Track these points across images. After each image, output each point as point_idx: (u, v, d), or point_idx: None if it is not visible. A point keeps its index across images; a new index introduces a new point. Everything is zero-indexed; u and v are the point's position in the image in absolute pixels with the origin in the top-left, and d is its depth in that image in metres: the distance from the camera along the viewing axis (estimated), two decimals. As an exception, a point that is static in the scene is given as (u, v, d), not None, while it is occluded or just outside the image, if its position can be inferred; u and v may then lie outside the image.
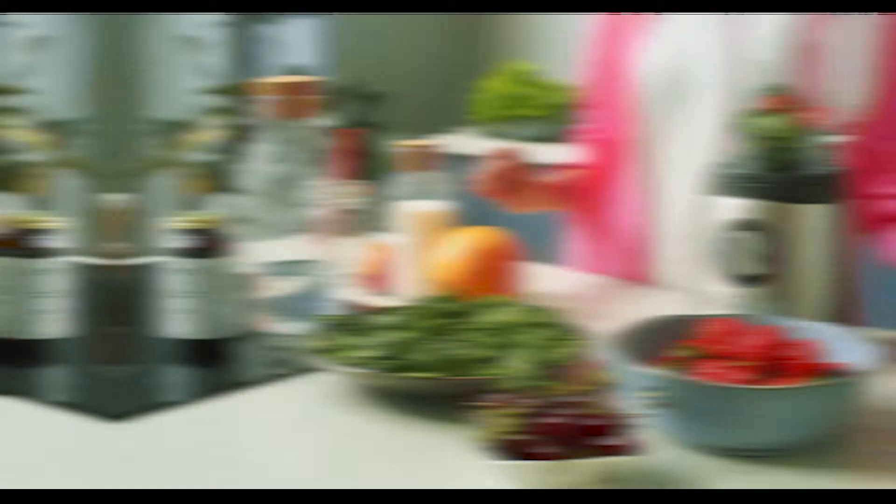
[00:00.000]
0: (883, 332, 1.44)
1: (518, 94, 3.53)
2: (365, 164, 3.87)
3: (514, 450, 0.90)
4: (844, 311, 1.30)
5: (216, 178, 3.69)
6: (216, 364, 1.31)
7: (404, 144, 1.56)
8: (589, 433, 0.91)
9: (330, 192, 1.41)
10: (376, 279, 1.63)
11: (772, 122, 1.27)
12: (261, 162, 1.37)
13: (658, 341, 1.18)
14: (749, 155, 1.30)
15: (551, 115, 3.49)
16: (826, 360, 1.05)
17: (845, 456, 1.01)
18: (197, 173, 3.60)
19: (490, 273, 1.47)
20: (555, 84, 3.54)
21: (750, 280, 1.29)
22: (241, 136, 3.85)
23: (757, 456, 1.00)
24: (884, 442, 1.05)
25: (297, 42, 4.07)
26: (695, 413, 0.99)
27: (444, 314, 1.29)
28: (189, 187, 3.58)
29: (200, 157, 4.03)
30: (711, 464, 0.99)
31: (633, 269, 1.69)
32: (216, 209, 1.42)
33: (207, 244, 1.33)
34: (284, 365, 1.32)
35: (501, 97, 3.53)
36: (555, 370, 1.12)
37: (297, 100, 1.35)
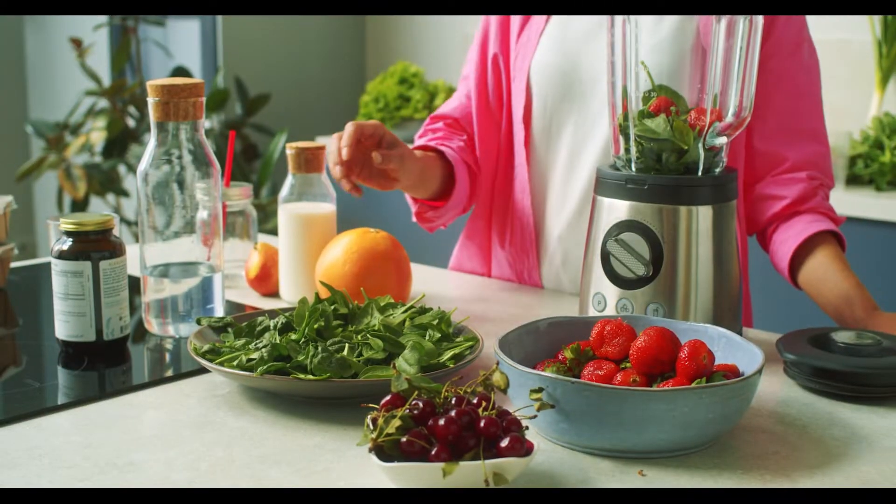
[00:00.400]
0: (764, 333, 1.47)
1: (403, 95, 3.52)
2: (249, 165, 3.82)
3: (403, 451, 0.89)
4: (728, 313, 1.32)
5: (100, 179, 3.61)
6: (103, 366, 1.27)
7: (290, 146, 1.54)
8: (478, 435, 0.90)
9: (216, 194, 1.38)
10: (261, 280, 1.60)
11: (658, 125, 1.29)
12: (146, 164, 1.33)
13: (545, 343, 1.18)
14: (636, 157, 1.32)
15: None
16: (712, 362, 1.06)
17: (733, 457, 1.03)
18: (81, 175, 3.51)
19: (376, 274, 1.46)
20: (439, 86, 3.54)
21: (636, 281, 1.30)
22: (124, 137, 3.77)
23: (645, 457, 1.01)
24: (770, 442, 1.06)
25: (182, 44, 4.00)
26: (582, 415, 0.99)
27: (331, 316, 1.28)
28: (73, 188, 3.49)
29: (84, 158, 3.93)
30: (600, 465, 1.00)
31: (520, 271, 1.69)
32: (101, 210, 1.38)
33: (93, 246, 1.29)
34: (172, 367, 1.29)
35: (386, 99, 3.52)
36: (443, 372, 1.12)
37: (183, 102, 1.32)
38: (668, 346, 1.08)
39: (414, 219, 1.69)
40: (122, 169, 3.88)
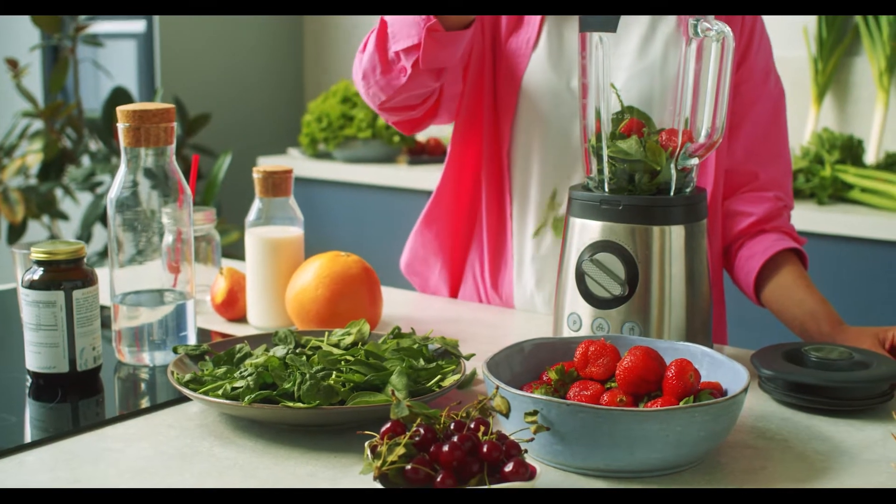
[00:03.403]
0: (732, 349, 1.50)
1: (346, 114, 3.52)
2: (199, 188, 3.79)
3: (408, 479, 0.89)
4: (701, 330, 1.34)
5: (37, 202, 3.55)
6: (77, 398, 1.25)
7: (257, 170, 1.53)
8: (481, 460, 0.90)
9: (187, 220, 1.37)
10: (228, 306, 1.59)
11: (630, 146, 1.31)
12: (117, 190, 1.32)
13: (530, 364, 1.19)
14: (608, 177, 1.33)
15: (379, 136, 3.49)
16: (698, 380, 1.08)
17: (723, 473, 1.05)
18: (19, 198, 3.44)
19: (348, 298, 1.46)
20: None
21: (611, 301, 1.31)
22: (61, 159, 3.71)
23: (637, 477, 1.02)
24: (756, 458, 1.08)
25: (119, 64, 3.96)
26: (577, 436, 1.00)
27: (307, 343, 1.28)
28: (11, 212, 3.42)
29: (19, 181, 3.86)
30: (593, 485, 1.01)
31: (495, 293, 1.70)
32: (39, 234, 1.36)
33: (65, 275, 1.27)
34: (148, 397, 1.28)
35: (329, 118, 3.51)
36: (430, 396, 1.12)
37: (154, 127, 1.31)
38: (654, 366, 1.10)
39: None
40: (58, 192, 3.82)
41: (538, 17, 1.60)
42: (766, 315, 1.59)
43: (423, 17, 1.46)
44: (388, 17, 1.51)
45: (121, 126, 1.32)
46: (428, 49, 1.47)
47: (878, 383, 1.21)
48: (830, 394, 1.21)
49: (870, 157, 2.95)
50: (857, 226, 2.56)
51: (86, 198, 3.87)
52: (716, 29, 1.27)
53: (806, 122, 3.12)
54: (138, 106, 1.32)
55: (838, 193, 2.76)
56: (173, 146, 1.36)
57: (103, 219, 3.61)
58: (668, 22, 1.34)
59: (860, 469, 1.06)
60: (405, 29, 1.48)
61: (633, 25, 1.53)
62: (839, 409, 1.21)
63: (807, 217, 2.58)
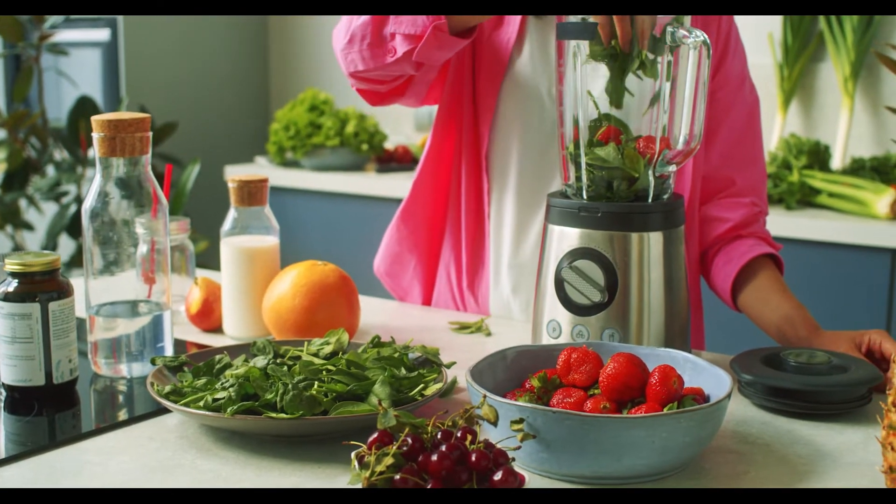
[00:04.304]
0: (709, 354, 1.50)
1: (314, 123, 3.51)
2: (170, 197, 3.76)
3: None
4: (679, 335, 1.34)
5: (1, 212, 3.50)
6: (54, 411, 1.24)
7: (232, 179, 1.52)
8: (470, 469, 0.90)
9: (163, 230, 1.36)
10: (203, 316, 1.58)
11: (608, 153, 1.31)
12: (92, 200, 1.31)
13: (512, 372, 1.19)
14: (587, 185, 1.33)
15: (347, 144, 3.48)
16: (682, 386, 1.08)
17: (708, 478, 1.05)
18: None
19: (326, 307, 1.45)
20: (349, 113, 3.53)
21: (591, 308, 1.31)
22: (25, 169, 3.67)
23: (623, 483, 1.02)
24: (739, 463, 1.09)
25: (84, 73, 3.93)
26: (563, 444, 1.00)
27: (286, 353, 1.27)
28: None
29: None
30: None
31: (471, 295, 1.70)
32: (2, 244, 1.34)
33: (40, 287, 1.25)
34: (126, 409, 1.26)
35: (297, 126, 3.50)
36: (413, 406, 1.12)
37: (129, 137, 1.30)
38: (637, 373, 1.10)
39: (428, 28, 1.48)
40: (23, 202, 3.78)
41: (519, 17, 1.59)
42: (741, 320, 1.60)
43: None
44: None
45: (96, 136, 1.31)
46: (428, 44, 1.47)
47: (857, 387, 1.22)
48: (810, 398, 1.21)
49: (836, 162, 2.98)
50: (825, 230, 2.58)
51: (51, 208, 3.83)
52: (693, 36, 1.28)
53: (773, 128, 3.14)
54: (113, 115, 1.31)
55: (806, 198, 2.78)
56: (149, 155, 1.35)
57: (69, 229, 3.57)
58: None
59: (843, 472, 1.07)
60: (410, 16, 1.47)
61: None
62: (819, 412, 1.22)
63: (776, 222, 2.60)
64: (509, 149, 1.62)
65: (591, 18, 1.30)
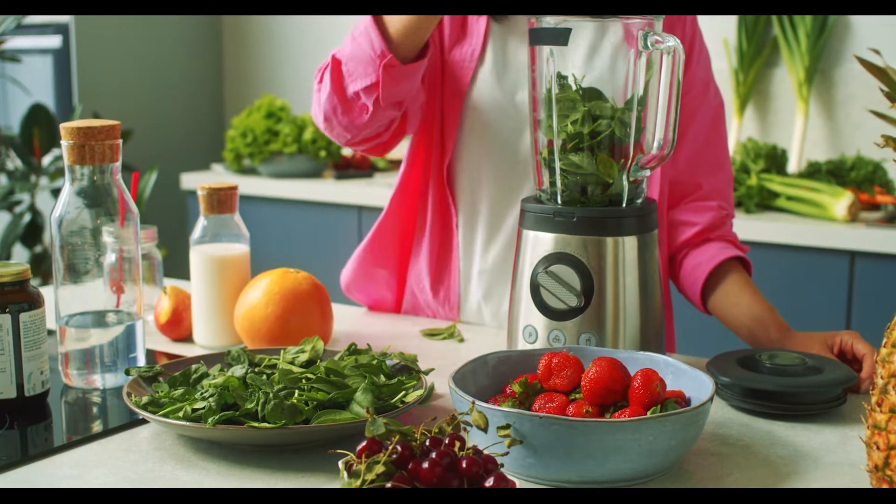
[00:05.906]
0: (684, 356, 1.51)
1: (271, 129, 3.48)
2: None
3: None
4: (654, 339, 1.35)
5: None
6: (26, 424, 1.22)
7: (201, 187, 1.51)
8: (461, 475, 0.90)
9: (133, 238, 1.34)
10: (173, 325, 1.56)
11: (582, 159, 1.31)
12: (61, 209, 1.29)
13: (493, 378, 1.19)
14: (561, 190, 1.34)
15: (305, 150, 3.46)
16: (664, 389, 1.09)
17: (692, 481, 1.05)
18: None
19: (299, 315, 1.44)
20: (307, 119, 3.52)
21: (567, 312, 1.31)
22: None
23: (609, 487, 1.02)
24: (722, 465, 1.09)
25: (36, 80, 3.87)
26: (549, 449, 1.00)
27: (261, 361, 1.26)
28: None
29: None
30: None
31: (439, 305, 1.69)
32: None
33: (10, 298, 1.23)
34: (100, 421, 1.25)
35: (254, 133, 3.47)
36: (395, 413, 1.11)
37: (99, 144, 1.28)
38: (619, 376, 1.10)
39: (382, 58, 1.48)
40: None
41: (483, 29, 1.60)
42: (710, 323, 1.61)
43: (377, 52, 1.46)
44: (339, 54, 1.51)
45: (64, 143, 1.29)
46: (386, 86, 1.48)
47: (832, 388, 1.24)
48: (787, 399, 1.22)
49: (792, 165, 3.01)
50: (784, 233, 2.61)
51: (3, 217, 3.78)
52: (666, 42, 1.28)
53: (729, 132, 3.17)
54: (83, 123, 1.30)
55: (764, 202, 2.81)
56: (118, 163, 1.33)
57: (23, 238, 3.52)
58: (615, 32, 1.35)
59: (824, 472, 1.08)
60: (360, 67, 1.48)
61: (579, 35, 1.54)
62: (795, 413, 1.23)
63: (735, 225, 2.61)
64: (477, 159, 1.62)
65: (561, 24, 1.31)
